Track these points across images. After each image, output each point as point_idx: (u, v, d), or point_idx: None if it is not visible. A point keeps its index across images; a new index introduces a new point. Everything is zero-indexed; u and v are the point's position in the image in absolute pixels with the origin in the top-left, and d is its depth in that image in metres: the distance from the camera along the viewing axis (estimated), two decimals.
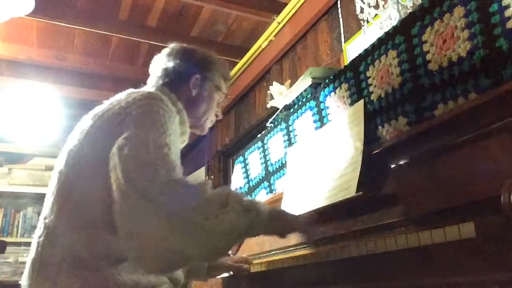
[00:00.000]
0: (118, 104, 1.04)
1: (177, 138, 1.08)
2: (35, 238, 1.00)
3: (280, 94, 1.88)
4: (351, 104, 1.33)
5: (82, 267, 0.91)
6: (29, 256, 0.99)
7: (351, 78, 1.34)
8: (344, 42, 2.24)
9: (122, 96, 1.09)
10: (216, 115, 1.38)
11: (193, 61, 1.29)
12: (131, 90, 1.12)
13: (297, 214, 1.11)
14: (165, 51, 1.32)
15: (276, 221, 1.01)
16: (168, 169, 0.90)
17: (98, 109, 1.09)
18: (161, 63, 1.29)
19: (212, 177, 4.03)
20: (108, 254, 0.92)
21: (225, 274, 1.39)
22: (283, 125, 1.75)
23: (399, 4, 1.33)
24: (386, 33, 1.21)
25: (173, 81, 1.25)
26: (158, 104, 1.03)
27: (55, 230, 0.96)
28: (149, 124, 0.97)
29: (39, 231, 1.00)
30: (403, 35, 1.15)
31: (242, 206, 0.92)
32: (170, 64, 1.27)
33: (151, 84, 1.26)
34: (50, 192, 1.03)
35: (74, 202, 0.97)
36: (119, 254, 0.92)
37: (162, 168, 0.89)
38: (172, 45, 1.33)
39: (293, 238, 1.32)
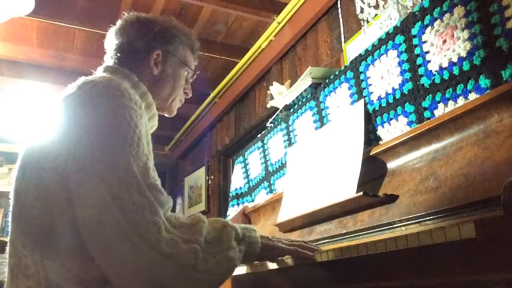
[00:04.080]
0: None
1: (148, 129, 0.96)
2: (8, 263, 0.91)
3: (280, 94, 1.88)
4: (351, 104, 1.33)
5: None
6: (5, 285, 0.91)
7: (351, 78, 1.34)
8: (344, 42, 2.24)
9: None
10: (186, 93, 1.22)
11: (152, 34, 1.12)
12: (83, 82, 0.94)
13: (282, 238, 1.06)
14: (118, 24, 1.14)
15: (267, 251, 0.99)
16: (159, 202, 0.83)
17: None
18: (115, 39, 1.12)
19: (212, 177, 4.03)
20: (84, 279, 0.84)
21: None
22: (283, 125, 1.75)
23: (399, 4, 1.33)
24: (386, 33, 1.21)
25: (130, 59, 1.09)
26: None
27: (26, 260, 0.86)
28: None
29: (11, 257, 0.90)
30: (403, 35, 1.15)
31: (236, 243, 0.90)
32: (125, 40, 1.10)
33: (106, 68, 1.08)
34: (11, 213, 0.92)
35: (38, 226, 0.86)
36: (95, 279, 0.85)
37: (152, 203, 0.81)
38: (125, 16, 1.15)
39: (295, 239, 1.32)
